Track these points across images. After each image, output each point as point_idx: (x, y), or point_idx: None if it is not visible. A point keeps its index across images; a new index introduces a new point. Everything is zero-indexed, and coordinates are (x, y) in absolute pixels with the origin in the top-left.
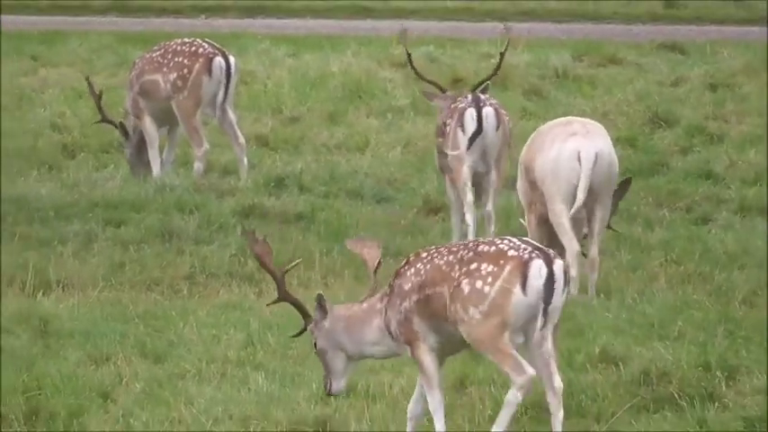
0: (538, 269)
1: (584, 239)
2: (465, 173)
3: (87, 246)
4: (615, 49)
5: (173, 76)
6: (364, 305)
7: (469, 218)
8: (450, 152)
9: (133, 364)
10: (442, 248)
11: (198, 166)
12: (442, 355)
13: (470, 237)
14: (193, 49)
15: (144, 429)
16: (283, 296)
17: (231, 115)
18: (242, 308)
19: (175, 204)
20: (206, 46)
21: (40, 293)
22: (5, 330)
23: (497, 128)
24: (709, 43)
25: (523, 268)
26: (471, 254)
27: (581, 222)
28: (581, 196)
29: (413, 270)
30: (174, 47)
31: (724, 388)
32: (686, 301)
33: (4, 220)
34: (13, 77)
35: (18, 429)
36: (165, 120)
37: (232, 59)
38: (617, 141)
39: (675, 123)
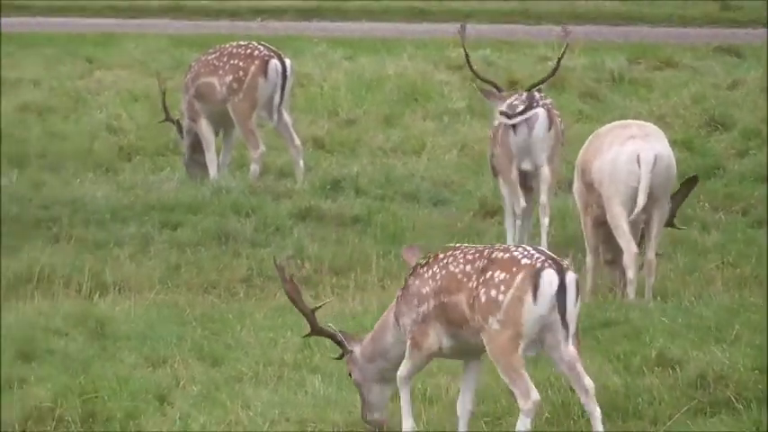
0: (549, 278)
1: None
2: (513, 172)
3: (144, 248)
4: (671, 52)
5: (228, 78)
6: (380, 320)
7: (518, 212)
8: (497, 150)
9: (190, 367)
10: (459, 254)
11: (254, 168)
12: (456, 356)
13: (515, 233)
14: (249, 51)
15: (201, 430)
16: (317, 331)
17: (287, 118)
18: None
19: (232, 207)
20: (261, 48)
21: (97, 296)
22: (61, 332)
23: (549, 128)
24: (766, 46)
25: (535, 277)
26: (486, 261)
27: (638, 225)
28: (642, 199)
29: (430, 273)
30: (230, 49)
31: None
32: (743, 304)
33: (60, 222)
34: (68, 80)
35: (76, 431)
36: (221, 122)
37: (288, 62)
38: (673, 144)
39: (732, 126)
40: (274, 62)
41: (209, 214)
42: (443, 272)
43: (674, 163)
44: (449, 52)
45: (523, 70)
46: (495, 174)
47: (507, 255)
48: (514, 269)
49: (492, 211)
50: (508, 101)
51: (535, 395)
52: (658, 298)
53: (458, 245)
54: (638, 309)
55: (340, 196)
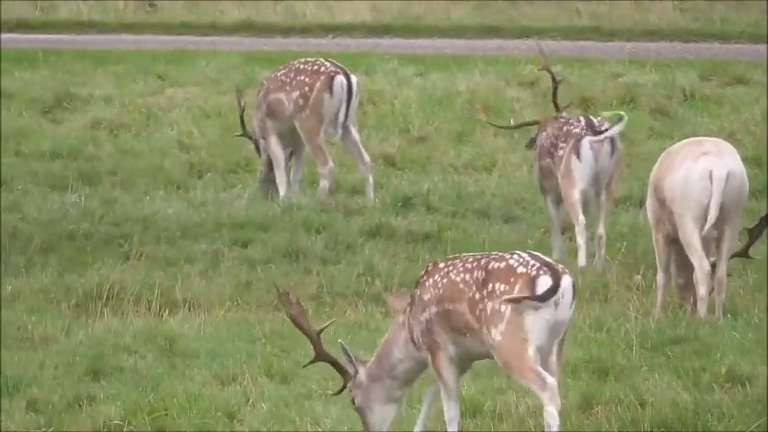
0: (545, 283)
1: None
2: (575, 196)
3: (214, 265)
4: (743, 69)
5: (295, 94)
6: (387, 335)
7: (581, 240)
8: (561, 176)
9: (259, 384)
10: (459, 263)
11: (323, 183)
12: (461, 366)
13: (582, 258)
14: (315, 67)
15: None
16: (320, 357)
17: (355, 134)
18: (369, 328)
19: (302, 224)
20: (328, 65)
21: (166, 313)
22: (131, 350)
23: (612, 155)
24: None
25: (532, 284)
26: (484, 273)
27: (710, 242)
28: (713, 215)
29: (431, 281)
30: (297, 66)
31: None
32: None
33: (130, 239)
34: (139, 97)
35: None
36: (291, 139)
37: (354, 78)
38: (744, 161)
39: None
40: (340, 78)
41: (279, 231)
42: (445, 280)
43: (747, 180)
44: (520, 69)
45: (595, 87)
46: (544, 193)
47: (504, 264)
48: (512, 279)
49: (563, 228)
50: (567, 128)
51: (550, 379)
52: (728, 315)
53: (456, 255)
54: (708, 325)
55: (411, 213)
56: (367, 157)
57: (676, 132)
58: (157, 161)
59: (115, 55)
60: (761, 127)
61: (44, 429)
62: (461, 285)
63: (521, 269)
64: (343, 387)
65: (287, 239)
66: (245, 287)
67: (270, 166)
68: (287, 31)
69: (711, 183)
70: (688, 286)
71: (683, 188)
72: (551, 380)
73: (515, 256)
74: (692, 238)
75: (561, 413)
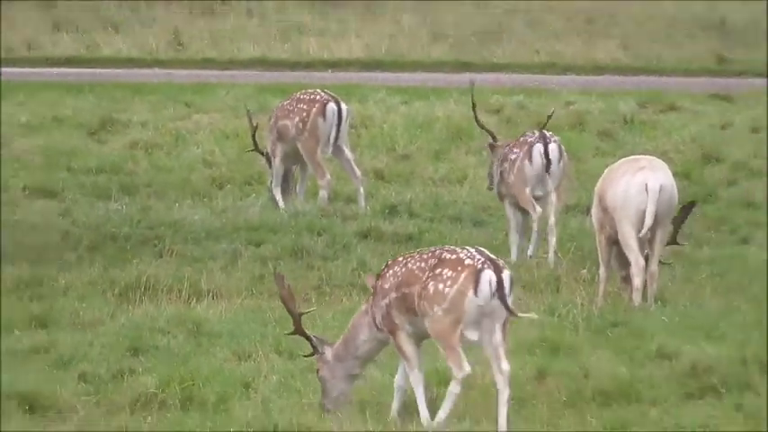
0: (488, 277)
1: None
2: (527, 193)
3: (233, 262)
4: (673, 99)
5: (296, 119)
6: (352, 320)
7: (535, 227)
8: (514, 177)
9: (270, 360)
10: (416, 255)
11: (323, 193)
12: (418, 341)
13: (532, 244)
14: (312, 96)
15: (279, 414)
16: (298, 332)
17: (347, 153)
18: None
19: (307, 227)
20: (322, 94)
21: (194, 301)
22: (164, 332)
23: (560, 160)
24: (753, 93)
25: (476, 275)
26: (436, 260)
27: (644, 242)
28: (649, 221)
29: (391, 272)
30: (299, 96)
31: (758, 379)
32: (728, 308)
33: (163, 240)
34: (170, 121)
35: (176, 412)
36: (296, 158)
37: (343, 105)
38: (674, 175)
39: (723, 160)
40: (331, 105)
41: (287, 233)
42: (403, 269)
43: (676, 191)
44: (488, 98)
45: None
46: (501, 198)
47: (454, 256)
48: (459, 268)
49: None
50: (522, 138)
51: (467, 367)
52: (659, 302)
53: (412, 251)
54: (641, 311)
55: (396, 218)
56: (358, 172)
57: (618, 151)
58: (185, 175)
59: (149, 86)
60: (688, 147)
61: (92, 396)
62: (417, 272)
63: (468, 261)
64: (312, 354)
65: (293, 240)
66: (258, 280)
67: (285, 177)
68: (293, 65)
69: (647, 193)
70: (627, 279)
71: (623, 198)
72: (467, 368)
73: (465, 251)
74: (629, 240)
75: (519, 385)
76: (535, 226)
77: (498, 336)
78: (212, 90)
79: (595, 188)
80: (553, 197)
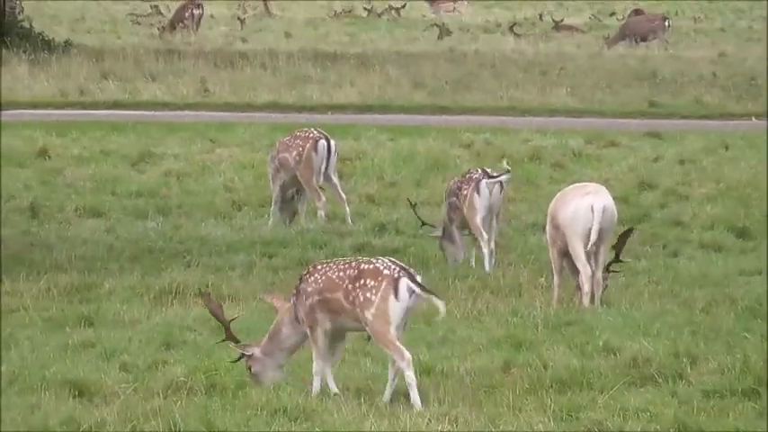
0: (405, 284)
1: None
2: (478, 222)
3: (249, 271)
4: (614, 136)
5: (294, 153)
6: (273, 324)
7: (485, 250)
8: (466, 209)
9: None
10: (333, 265)
11: (320, 213)
12: (336, 334)
13: (487, 265)
14: (307, 134)
15: (288, 397)
16: (229, 338)
17: (335, 180)
18: None
19: (311, 242)
20: (315, 132)
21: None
22: (192, 329)
23: (501, 192)
24: (679, 132)
25: (395, 283)
26: (356, 271)
27: (590, 255)
28: (594, 236)
29: (312, 278)
30: (297, 133)
31: (689, 370)
32: (662, 310)
33: (191, 253)
34: (197, 154)
35: (201, 397)
36: (296, 184)
37: (332, 142)
38: (615, 200)
39: (656, 187)
40: (322, 141)
41: (294, 247)
42: (323, 277)
43: (616, 212)
44: (460, 136)
45: (512, 148)
46: (452, 222)
47: (372, 266)
48: (379, 278)
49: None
50: (468, 175)
51: (407, 354)
52: (604, 305)
53: (329, 261)
54: (590, 312)
55: (385, 235)
56: (344, 196)
57: (568, 179)
58: (210, 198)
59: (180, 125)
60: (627, 176)
61: (131, 384)
62: (337, 280)
63: (386, 271)
64: (239, 359)
65: (300, 253)
66: (270, 286)
67: (280, 202)
68: (300, 109)
69: (593, 213)
70: (578, 285)
71: (572, 217)
72: (408, 354)
73: (380, 261)
74: (578, 252)
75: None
76: (484, 248)
77: (400, 330)
78: (233, 129)
79: (548, 210)
80: (494, 222)
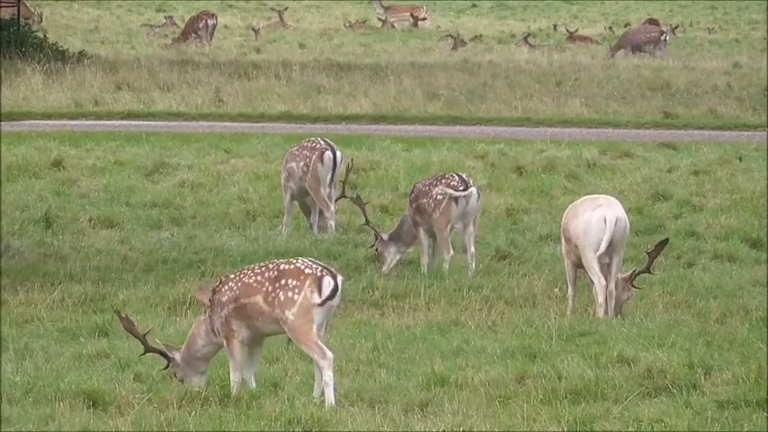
0: (328, 282)
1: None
2: (448, 231)
3: None
4: (628, 147)
5: (301, 163)
6: (192, 329)
7: (448, 258)
8: (439, 214)
9: (295, 363)
10: (248, 271)
11: (330, 223)
12: (254, 341)
13: (448, 271)
14: (313, 144)
15: (302, 409)
16: (148, 350)
17: (332, 192)
18: (370, 324)
19: (325, 252)
20: (322, 143)
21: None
22: None
23: (478, 199)
24: (694, 143)
25: (318, 281)
26: (276, 272)
27: (604, 266)
28: (603, 247)
29: (226, 288)
30: (305, 143)
31: (703, 380)
32: (677, 321)
33: (205, 263)
34: (212, 165)
35: (216, 408)
36: (305, 194)
37: (338, 153)
38: (629, 211)
39: (670, 198)
40: (328, 153)
41: (309, 257)
42: (239, 284)
43: (629, 223)
44: (474, 146)
45: (526, 159)
46: (417, 227)
47: (293, 266)
48: (302, 277)
49: (504, 256)
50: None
51: (330, 354)
52: (618, 316)
53: (240, 269)
54: (604, 323)
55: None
56: (332, 208)
57: (583, 190)
58: (224, 209)
59: (195, 136)
60: (641, 187)
61: (145, 394)
62: (254, 284)
63: (308, 270)
64: (166, 367)
65: None
66: None
67: (307, 211)
68: (314, 119)
69: (605, 225)
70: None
71: (585, 229)
72: (330, 354)
73: (300, 261)
74: (592, 264)
75: (504, 383)
76: (446, 257)
77: (323, 330)
78: (247, 139)
79: (561, 221)
80: (470, 228)
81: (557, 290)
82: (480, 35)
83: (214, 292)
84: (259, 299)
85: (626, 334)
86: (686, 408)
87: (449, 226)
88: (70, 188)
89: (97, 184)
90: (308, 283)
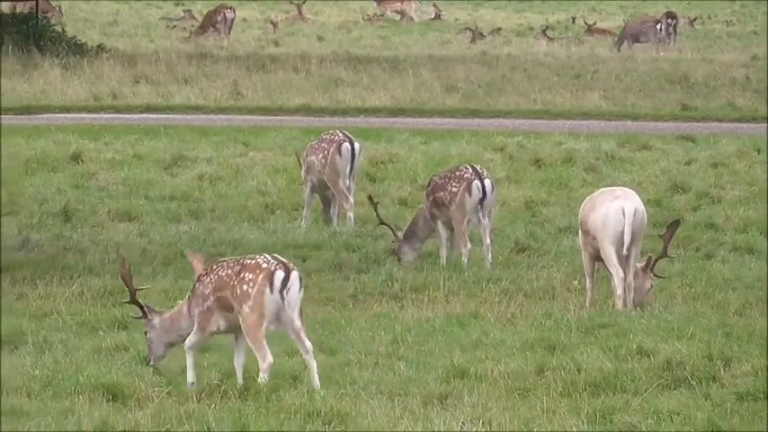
0: (280, 276)
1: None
2: (465, 224)
3: None
4: (647, 139)
5: (320, 156)
6: (177, 308)
7: (465, 252)
8: (455, 207)
9: (315, 356)
10: (224, 263)
11: (349, 215)
12: (230, 331)
13: (466, 263)
14: (332, 137)
15: (322, 401)
16: (133, 301)
17: (351, 184)
18: (389, 317)
19: (344, 245)
20: (341, 135)
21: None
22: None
23: (492, 192)
24: (712, 135)
25: (271, 276)
26: (240, 267)
27: (622, 257)
28: (627, 239)
29: (207, 279)
30: (324, 136)
31: (722, 372)
32: (696, 313)
33: (224, 256)
34: (231, 158)
35: (236, 401)
36: (324, 187)
37: (356, 144)
38: (648, 203)
39: (688, 190)
40: (346, 144)
41: (328, 250)
42: (216, 276)
43: (646, 215)
44: (493, 139)
45: (544, 151)
46: (435, 219)
47: (253, 261)
48: (257, 271)
49: (523, 249)
50: (458, 173)
51: (270, 358)
52: (637, 308)
53: (224, 258)
54: (623, 315)
55: None
56: (352, 200)
57: (601, 183)
58: (243, 202)
59: (213, 129)
60: (659, 179)
61: (165, 387)
62: (225, 278)
63: (264, 265)
64: (139, 317)
65: (333, 256)
66: (304, 288)
67: (326, 203)
68: (332, 112)
69: (623, 217)
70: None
71: (603, 221)
72: (271, 358)
73: (262, 257)
74: (610, 256)
75: (524, 376)
76: (464, 251)
77: (297, 323)
78: (265, 132)
79: (579, 214)
80: (486, 221)
81: (576, 282)
82: (499, 28)
83: (198, 279)
84: (228, 293)
85: (645, 326)
86: (705, 400)
87: (465, 219)
88: (89, 181)
89: (116, 178)
90: (261, 277)
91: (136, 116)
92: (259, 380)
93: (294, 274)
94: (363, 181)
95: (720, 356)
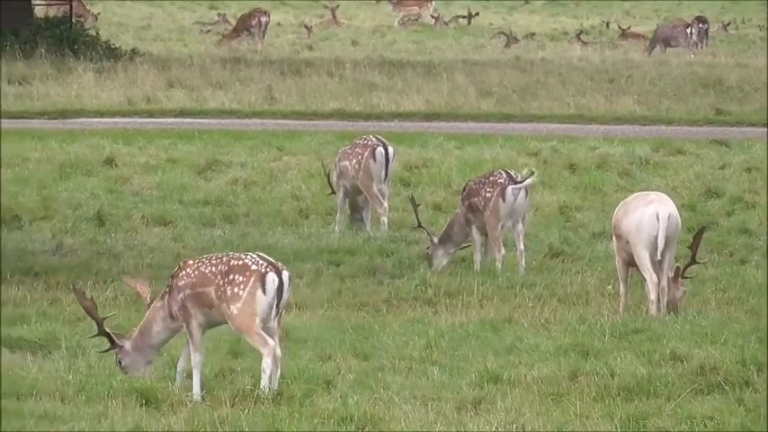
0: (272, 278)
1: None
2: (499, 230)
3: (316, 278)
4: (681, 144)
5: (354, 161)
6: (144, 319)
7: (499, 257)
8: (489, 213)
9: (348, 361)
10: (205, 260)
11: (383, 220)
12: (208, 327)
13: (500, 269)
14: (366, 142)
15: (356, 407)
16: (102, 333)
17: (385, 189)
18: (423, 322)
19: (378, 250)
20: (374, 140)
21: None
22: None
23: (526, 197)
24: (746, 140)
25: (262, 278)
26: (226, 267)
27: (656, 262)
28: (662, 244)
29: (184, 273)
30: (358, 141)
31: (756, 377)
32: (729, 318)
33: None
34: (265, 162)
35: (269, 406)
36: (358, 191)
37: (390, 149)
38: (682, 207)
39: (722, 195)
40: (380, 149)
41: (362, 255)
42: (196, 272)
43: (680, 220)
44: (527, 144)
45: (578, 156)
46: (469, 224)
47: (241, 262)
48: (248, 273)
49: (557, 254)
50: (492, 178)
51: (271, 342)
52: (671, 313)
53: (201, 257)
54: (657, 320)
55: None
56: (386, 204)
57: (635, 187)
58: (277, 207)
59: (248, 133)
60: (693, 183)
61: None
62: (209, 275)
63: (254, 266)
64: (110, 349)
65: (367, 261)
66: (337, 294)
67: (354, 208)
68: (366, 117)
69: (658, 222)
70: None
71: (637, 226)
72: (272, 341)
73: (249, 257)
74: (644, 261)
75: (557, 380)
76: (498, 256)
77: (275, 324)
78: (299, 137)
79: (612, 218)
80: (519, 226)
81: (609, 287)
82: (533, 32)
83: (173, 276)
84: (211, 290)
85: (679, 331)
86: (739, 405)
87: (500, 224)
88: (123, 186)
89: (150, 182)
90: (252, 279)
91: (170, 120)
92: (263, 365)
93: (285, 276)
94: (397, 186)
95: (754, 361)
